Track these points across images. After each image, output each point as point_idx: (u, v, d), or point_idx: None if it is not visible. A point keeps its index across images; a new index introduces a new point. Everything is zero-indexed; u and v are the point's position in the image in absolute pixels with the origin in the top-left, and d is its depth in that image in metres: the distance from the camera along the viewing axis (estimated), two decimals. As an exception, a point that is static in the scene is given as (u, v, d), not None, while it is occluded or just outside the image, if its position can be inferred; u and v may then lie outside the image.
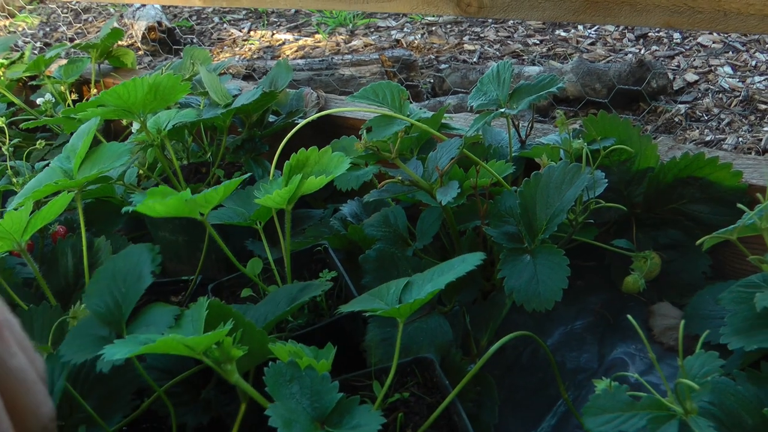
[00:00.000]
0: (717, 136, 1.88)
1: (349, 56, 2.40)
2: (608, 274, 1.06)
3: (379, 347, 0.86)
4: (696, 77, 2.19)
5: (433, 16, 3.03)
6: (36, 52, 2.01)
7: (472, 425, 0.77)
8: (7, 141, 1.39)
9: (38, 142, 1.53)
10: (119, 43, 1.96)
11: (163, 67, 1.46)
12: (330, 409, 0.65)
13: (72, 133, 1.09)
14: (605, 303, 1.03)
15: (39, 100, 1.66)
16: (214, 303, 0.73)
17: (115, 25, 1.84)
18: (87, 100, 1.76)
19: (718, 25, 0.99)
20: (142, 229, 1.30)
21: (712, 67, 2.24)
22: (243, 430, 0.80)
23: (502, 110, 1.05)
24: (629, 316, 0.67)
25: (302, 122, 1.01)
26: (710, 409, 0.73)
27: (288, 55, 2.90)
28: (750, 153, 1.84)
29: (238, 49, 3.08)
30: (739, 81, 2.16)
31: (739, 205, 0.76)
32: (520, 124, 1.16)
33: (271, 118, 1.36)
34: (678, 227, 1.06)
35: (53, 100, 1.67)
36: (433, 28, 2.95)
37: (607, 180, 0.96)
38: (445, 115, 1.12)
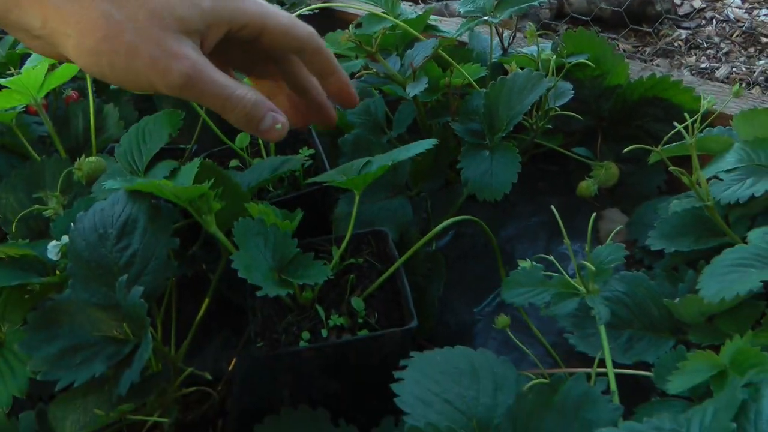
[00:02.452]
0: (712, 65, 1.94)
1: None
2: (569, 179, 1.15)
3: (345, 219, 0.96)
4: (703, 4, 2.22)
5: None
6: None
7: (420, 296, 0.88)
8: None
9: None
10: None
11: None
12: (287, 261, 0.76)
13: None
14: (561, 204, 1.13)
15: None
16: (206, 163, 0.83)
17: None
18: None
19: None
20: (149, 100, 1.39)
21: (721, -4, 2.27)
22: (222, 282, 0.91)
23: (486, 18, 1.12)
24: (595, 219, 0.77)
25: (300, 11, 1.09)
26: (622, 297, 0.84)
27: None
28: (741, 83, 1.90)
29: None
30: (745, 12, 2.19)
31: (675, 123, 0.84)
32: (507, 33, 1.24)
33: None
34: (639, 142, 1.13)
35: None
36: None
37: (573, 91, 1.04)
38: (435, 17, 1.19)
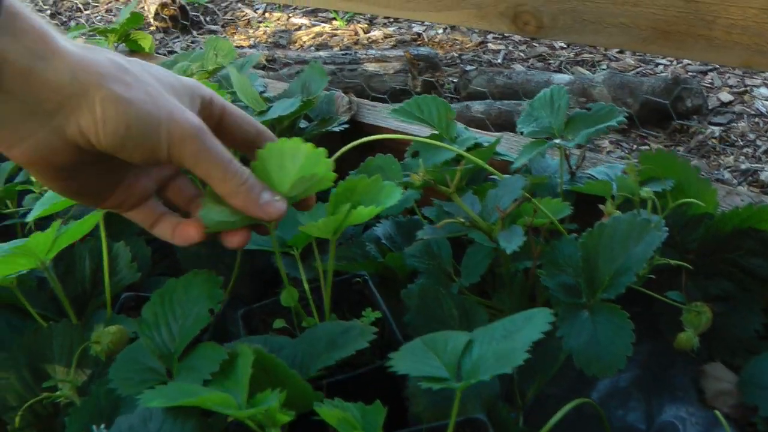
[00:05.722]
0: (752, 165, 1.82)
1: (373, 51, 2.33)
2: (654, 322, 1.00)
3: (423, 396, 0.80)
4: (731, 97, 2.12)
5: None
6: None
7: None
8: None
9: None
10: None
11: (192, 65, 1.37)
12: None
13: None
14: (651, 354, 0.98)
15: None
16: (258, 352, 0.67)
17: (134, 9, 1.77)
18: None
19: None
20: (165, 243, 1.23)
21: (748, 88, 2.17)
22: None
23: (557, 141, 0.99)
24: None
25: (349, 146, 0.95)
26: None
27: (305, 42, 2.83)
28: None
29: (252, 30, 3.00)
30: (776, 105, 2.09)
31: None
32: (569, 153, 1.10)
33: (302, 123, 1.29)
34: (731, 279, 1.00)
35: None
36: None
37: (667, 229, 0.90)
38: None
